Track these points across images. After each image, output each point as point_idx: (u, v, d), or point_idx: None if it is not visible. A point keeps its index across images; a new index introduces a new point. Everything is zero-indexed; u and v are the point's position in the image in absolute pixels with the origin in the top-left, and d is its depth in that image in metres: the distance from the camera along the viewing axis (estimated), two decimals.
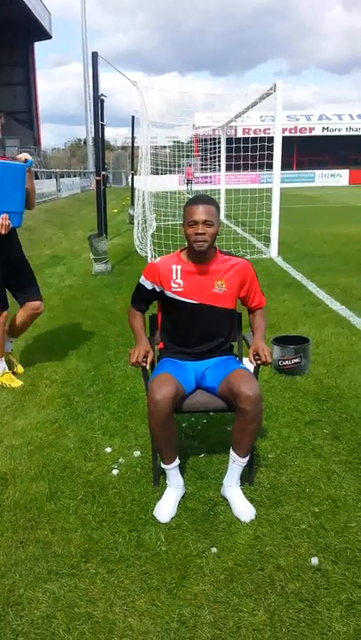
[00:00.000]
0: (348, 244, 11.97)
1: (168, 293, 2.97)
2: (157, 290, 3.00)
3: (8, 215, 3.94)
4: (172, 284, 2.95)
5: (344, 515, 2.75)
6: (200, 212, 2.82)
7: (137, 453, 3.36)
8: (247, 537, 2.61)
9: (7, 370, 4.56)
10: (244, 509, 2.78)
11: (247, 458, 2.85)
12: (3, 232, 3.92)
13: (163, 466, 2.88)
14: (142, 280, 3.07)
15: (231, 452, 2.85)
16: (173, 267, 2.97)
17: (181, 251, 3.03)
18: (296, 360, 4.45)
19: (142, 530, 2.68)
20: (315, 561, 2.43)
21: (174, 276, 2.95)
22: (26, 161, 4.01)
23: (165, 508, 2.80)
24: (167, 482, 2.90)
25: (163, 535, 2.64)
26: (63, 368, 4.86)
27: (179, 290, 2.95)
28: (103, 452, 3.40)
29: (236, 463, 2.84)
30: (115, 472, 3.18)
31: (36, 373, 4.74)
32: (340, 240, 12.53)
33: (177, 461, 2.87)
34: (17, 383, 4.49)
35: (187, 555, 2.50)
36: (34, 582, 2.37)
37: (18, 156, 4.07)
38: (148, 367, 2.90)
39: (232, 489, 2.87)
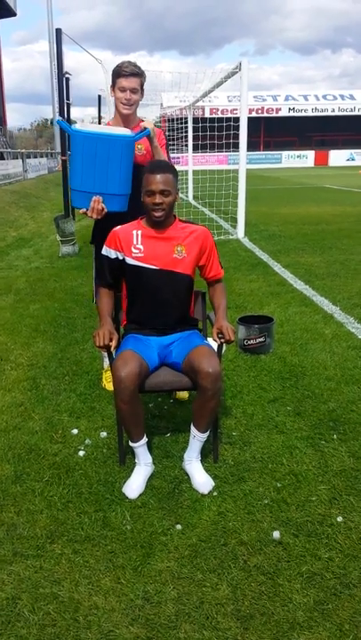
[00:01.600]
0: (310, 224, 12.09)
1: (129, 260, 2.96)
2: (120, 257, 2.98)
3: (103, 198, 3.25)
4: (133, 250, 2.95)
5: (305, 489, 2.81)
6: (157, 182, 2.82)
7: (103, 434, 3.38)
8: (211, 513, 2.65)
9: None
10: (201, 481, 2.85)
11: (207, 433, 2.91)
12: (94, 217, 3.29)
13: (131, 444, 2.91)
14: (104, 250, 3.04)
15: (192, 427, 2.90)
16: (134, 232, 2.98)
17: (142, 218, 3.03)
18: (261, 339, 4.50)
19: (108, 509, 2.70)
20: (276, 535, 2.48)
21: (135, 241, 2.96)
22: (144, 129, 3.28)
23: (134, 485, 2.84)
24: (136, 460, 2.94)
25: (128, 514, 2.66)
26: (29, 351, 4.83)
27: (139, 255, 2.95)
28: (70, 434, 3.41)
29: (197, 438, 2.90)
30: (81, 453, 3.19)
31: (2, 356, 4.71)
32: (303, 220, 12.65)
33: (145, 439, 2.91)
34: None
35: (152, 532, 2.54)
36: None
37: (141, 123, 3.40)
38: (112, 349, 2.90)
39: (192, 463, 2.94)
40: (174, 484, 2.89)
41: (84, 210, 3.31)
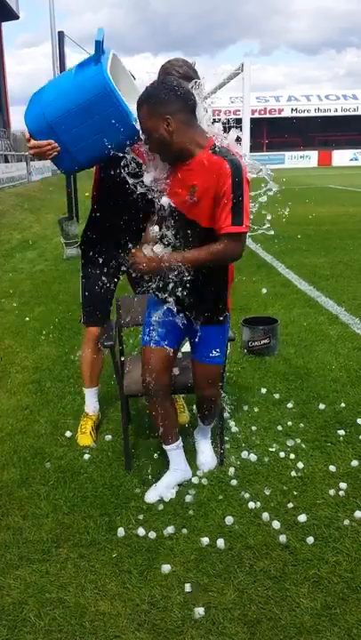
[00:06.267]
0: (314, 224, 12.03)
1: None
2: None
3: (62, 150, 2.61)
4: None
5: (311, 492, 2.80)
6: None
7: (108, 437, 3.36)
8: (217, 517, 2.63)
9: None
10: (204, 460, 2.99)
11: (212, 424, 3.06)
12: (30, 152, 2.65)
13: (164, 447, 2.87)
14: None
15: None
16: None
17: None
18: (265, 341, 4.49)
19: (113, 513, 2.69)
20: (283, 538, 2.47)
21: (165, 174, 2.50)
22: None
23: (162, 491, 2.79)
24: (170, 466, 2.86)
25: (134, 518, 2.65)
26: (34, 354, 4.83)
27: (165, 187, 2.46)
28: (75, 437, 3.40)
29: (201, 427, 3.06)
30: (86, 457, 3.18)
31: (7, 360, 4.71)
32: (306, 221, 12.58)
33: (179, 441, 2.84)
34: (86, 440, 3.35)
35: (157, 537, 2.53)
36: (5, 569, 2.37)
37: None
38: None
39: (200, 440, 3.08)
40: (180, 487, 2.88)
41: (29, 136, 2.65)
